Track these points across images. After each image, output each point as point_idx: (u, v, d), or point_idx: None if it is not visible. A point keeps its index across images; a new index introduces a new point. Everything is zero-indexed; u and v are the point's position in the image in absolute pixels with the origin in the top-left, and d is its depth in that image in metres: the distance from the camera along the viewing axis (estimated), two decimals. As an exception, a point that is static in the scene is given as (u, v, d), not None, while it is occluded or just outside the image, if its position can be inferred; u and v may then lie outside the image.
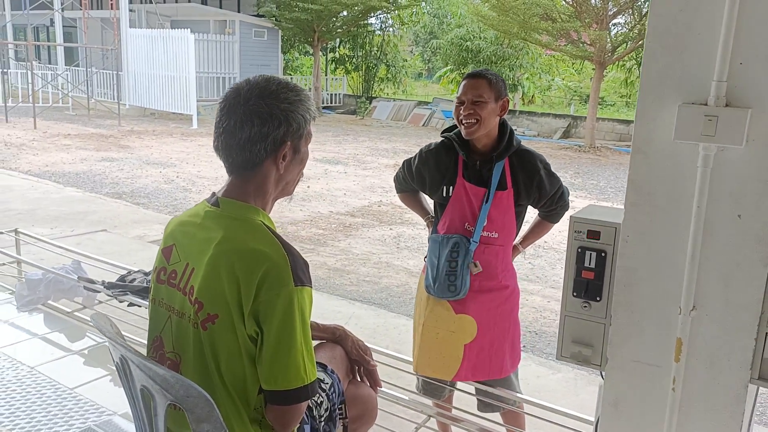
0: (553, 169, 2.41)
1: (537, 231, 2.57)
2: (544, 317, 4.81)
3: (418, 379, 2.63)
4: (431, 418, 2.61)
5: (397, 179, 2.64)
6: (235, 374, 1.42)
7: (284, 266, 1.37)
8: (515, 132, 2.39)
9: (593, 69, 15.96)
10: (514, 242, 2.53)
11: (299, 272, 1.39)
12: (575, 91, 24.43)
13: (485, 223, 2.32)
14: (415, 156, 2.49)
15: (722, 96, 1.22)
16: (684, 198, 1.29)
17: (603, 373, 1.47)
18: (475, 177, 2.33)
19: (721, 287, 1.29)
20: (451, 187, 2.36)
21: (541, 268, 5.98)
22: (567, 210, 2.45)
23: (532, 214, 2.54)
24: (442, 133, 2.44)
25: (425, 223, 2.64)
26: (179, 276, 1.49)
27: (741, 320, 1.29)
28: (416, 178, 2.49)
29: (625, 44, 14.89)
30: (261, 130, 1.42)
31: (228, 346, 1.40)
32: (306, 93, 1.51)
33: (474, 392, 2.59)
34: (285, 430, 1.45)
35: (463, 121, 2.28)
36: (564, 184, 2.45)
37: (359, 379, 1.93)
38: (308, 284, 1.42)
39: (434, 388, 2.60)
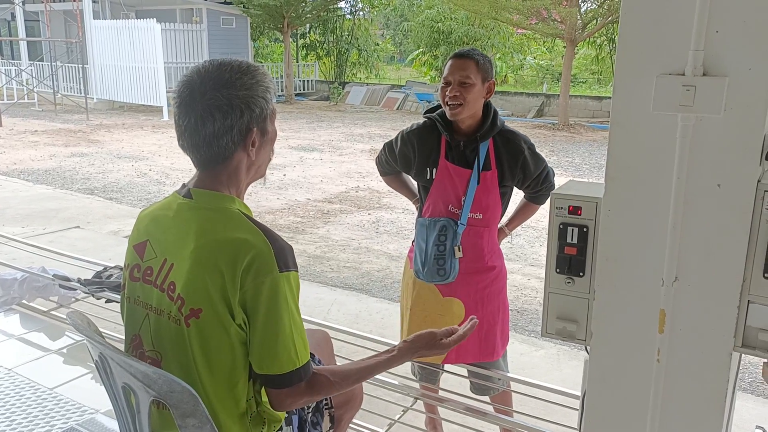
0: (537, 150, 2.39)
1: (523, 213, 2.56)
2: (525, 295, 4.84)
3: (413, 364, 2.62)
4: (418, 400, 2.61)
5: (379, 162, 2.59)
6: (223, 368, 1.39)
7: (268, 253, 1.34)
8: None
9: (564, 47, 16.00)
10: (501, 224, 2.52)
11: (283, 258, 1.37)
12: (547, 70, 24.51)
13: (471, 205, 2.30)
14: (397, 138, 2.44)
15: (699, 65, 1.21)
16: (664, 170, 1.28)
17: (588, 348, 1.47)
18: (458, 158, 2.31)
19: (703, 257, 1.29)
20: (434, 169, 2.33)
21: (520, 246, 6.01)
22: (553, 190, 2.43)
23: (517, 197, 2.52)
24: (425, 113, 2.40)
25: (413, 204, 2.60)
26: (155, 272, 1.44)
27: (723, 289, 1.29)
28: (400, 161, 2.45)
29: (595, 20, 14.93)
30: (224, 123, 1.37)
31: (215, 339, 1.37)
32: (262, 71, 1.44)
33: (463, 374, 2.60)
34: (282, 410, 1.46)
35: (449, 103, 2.25)
36: (549, 165, 2.44)
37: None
38: (294, 269, 1.39)
39: (429, 373, 2.59)
